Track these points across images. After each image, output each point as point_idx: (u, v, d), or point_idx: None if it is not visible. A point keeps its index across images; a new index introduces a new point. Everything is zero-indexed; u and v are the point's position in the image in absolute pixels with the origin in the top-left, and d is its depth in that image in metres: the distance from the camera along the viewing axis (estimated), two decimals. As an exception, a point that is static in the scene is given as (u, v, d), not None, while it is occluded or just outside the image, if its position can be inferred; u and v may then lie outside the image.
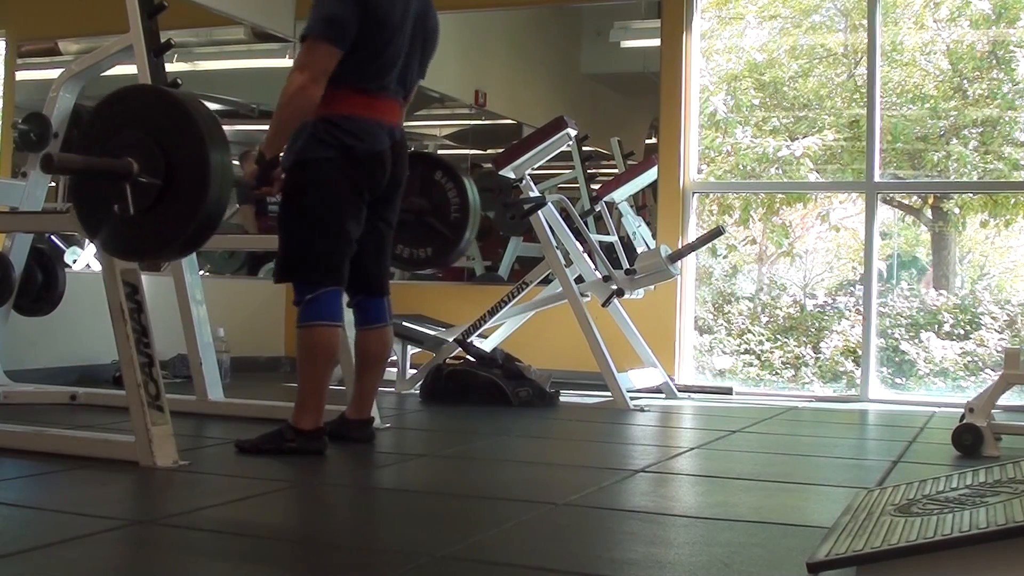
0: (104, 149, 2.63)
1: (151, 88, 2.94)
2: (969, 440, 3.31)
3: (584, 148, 5.79)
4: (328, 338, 3.05)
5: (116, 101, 2.75)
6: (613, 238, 5.29)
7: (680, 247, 5.10)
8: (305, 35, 2.97)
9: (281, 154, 3.04)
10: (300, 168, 3.04)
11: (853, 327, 6.27)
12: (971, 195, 6.54)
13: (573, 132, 4.89)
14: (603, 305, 4.75)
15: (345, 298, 3.19)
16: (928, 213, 6.91)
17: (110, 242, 2.72)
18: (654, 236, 5.57)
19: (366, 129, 3.07)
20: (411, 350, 5.25)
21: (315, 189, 3.03)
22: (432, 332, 5.16)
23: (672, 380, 5.17)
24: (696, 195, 5.71)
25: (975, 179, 6.33)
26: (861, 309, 5.48)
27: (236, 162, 5.56)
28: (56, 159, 2.62)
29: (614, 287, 4.71)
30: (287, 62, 6.15)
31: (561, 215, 4.88)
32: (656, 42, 5.73)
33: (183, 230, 2.59)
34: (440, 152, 6.81)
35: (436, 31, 3.27)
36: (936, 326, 6.32)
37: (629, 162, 5.93)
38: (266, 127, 3.07)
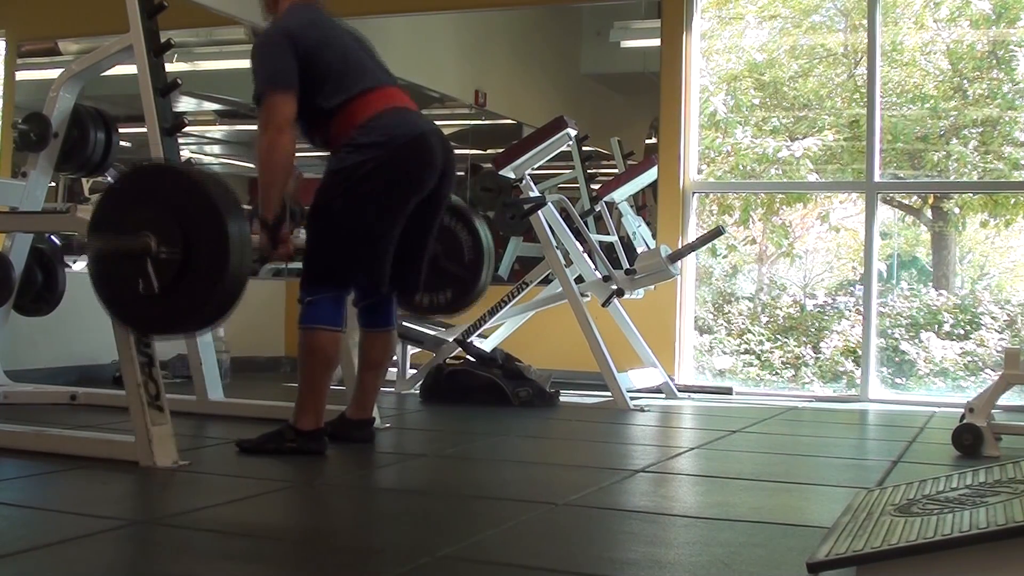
0: (120, 228, 2.62)
1: (164, 166, 2.97)
2: (969, 440, 3.31)
3: (584, 148, 5.78)
4: (329, 342, 3.06)
5: (128, 178, 2.77)
6: (613, 238, 5.29)
7: (680, 247, 5.10)
8: (257, 98, 2.99)
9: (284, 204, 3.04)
10: (332, 176, 3.03)
11: (853, 327, 6.28)
12: (971, 195, 6.55)
13: (573, 132, 4.88)
14: (603, 305, 4.75)
15: (350, 298, 3.20)
16: (928, 213, 6.92)
17: (135, 320, 2.72)
18: (654, 236, 5.56)
19: (395, 119, 3.07)
20: (411, 350, 5.25)
21: (343, 198, 3.02)
22: (432, 332, 5.15)
23: (672, 380, 5.17)
24: (696, 195, 5.71)
25: (975, 179, 6.34)
26: (861, 309, 5.48)
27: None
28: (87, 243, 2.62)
29: (614, 287, 4.71)
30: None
31: (561, 215, 4.88)
32: (656, 42, 5.72)
33: (206, 303, 2.60)
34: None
35: (366, 39, 3.27)
36: (936, 326, 6.33)
37: (629, 162, 5.93)
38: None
